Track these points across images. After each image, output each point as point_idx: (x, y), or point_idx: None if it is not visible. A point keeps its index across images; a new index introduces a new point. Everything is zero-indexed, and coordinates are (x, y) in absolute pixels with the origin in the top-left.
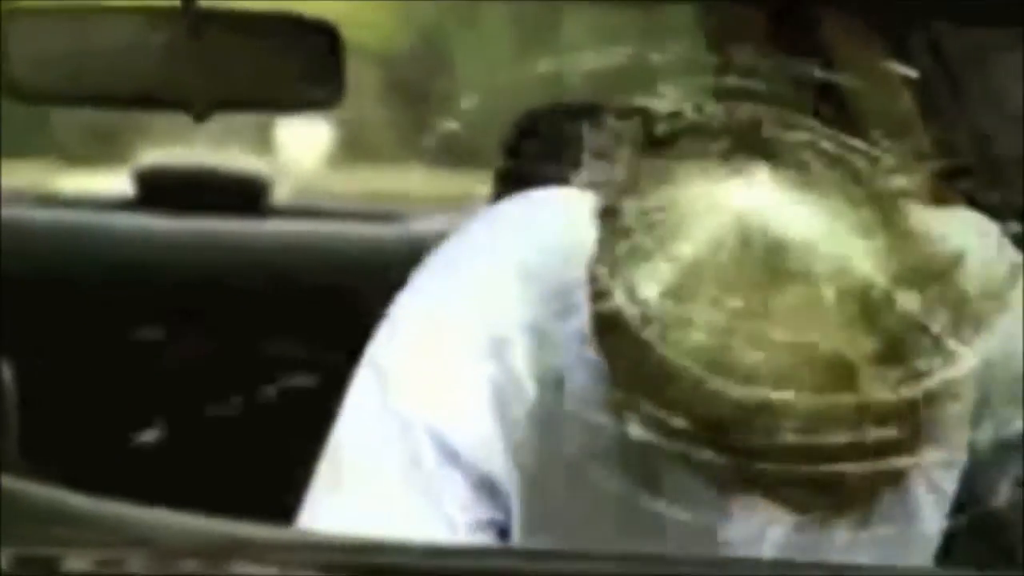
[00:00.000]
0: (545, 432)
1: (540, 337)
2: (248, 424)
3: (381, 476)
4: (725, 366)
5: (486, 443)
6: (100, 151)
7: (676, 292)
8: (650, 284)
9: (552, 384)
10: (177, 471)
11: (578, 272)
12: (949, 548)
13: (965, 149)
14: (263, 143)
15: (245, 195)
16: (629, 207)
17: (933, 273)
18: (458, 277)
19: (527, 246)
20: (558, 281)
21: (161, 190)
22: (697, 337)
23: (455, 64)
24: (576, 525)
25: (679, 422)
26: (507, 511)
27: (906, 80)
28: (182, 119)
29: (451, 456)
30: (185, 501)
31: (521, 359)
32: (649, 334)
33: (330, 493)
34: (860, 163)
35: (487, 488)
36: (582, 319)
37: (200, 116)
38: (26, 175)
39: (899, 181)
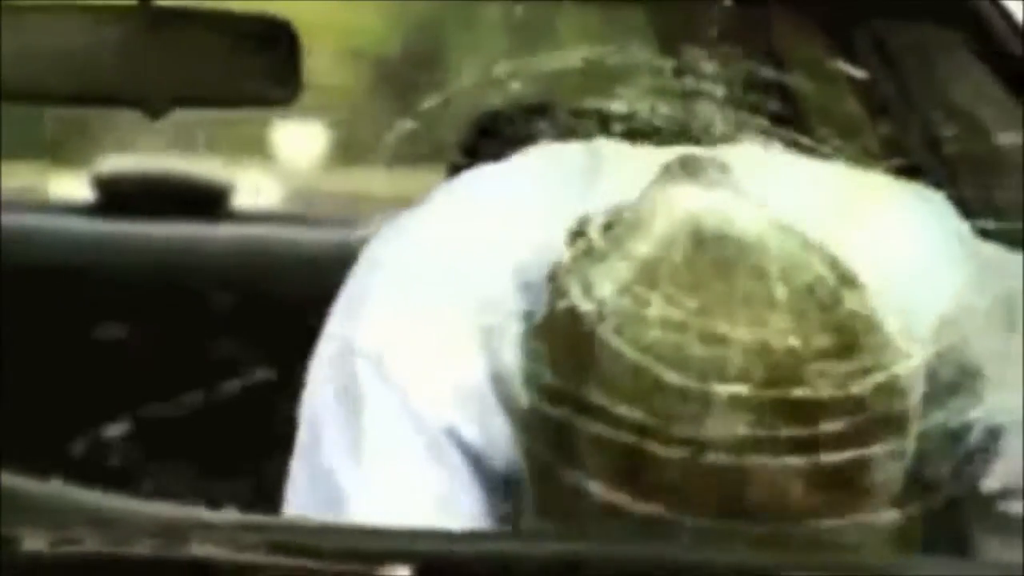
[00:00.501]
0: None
1: (526, 325)
2: (208, 424)
3: (404, 476)
4: (678, 361)
5: (493, 434)
6: (81, 154)
7: (631, 289)
8: (605, 282)
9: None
10: (139, 467)
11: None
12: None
13: (914, 147)
14: (256, 145)
15: (206, 200)
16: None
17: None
18: (438, 261)
19: (506, 228)
20: (538, 270)
21: (121, 195)
22: (651, 333)
23: (449, 66)
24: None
25: (628, 415)
26: (518, 502)
27: (854, 79)
28: (166, 122)
29: (465, 451)
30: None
31: (512, 348)
32: (604, 330)
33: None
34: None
35: (498, 480)
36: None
37: (156, 113)
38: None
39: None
